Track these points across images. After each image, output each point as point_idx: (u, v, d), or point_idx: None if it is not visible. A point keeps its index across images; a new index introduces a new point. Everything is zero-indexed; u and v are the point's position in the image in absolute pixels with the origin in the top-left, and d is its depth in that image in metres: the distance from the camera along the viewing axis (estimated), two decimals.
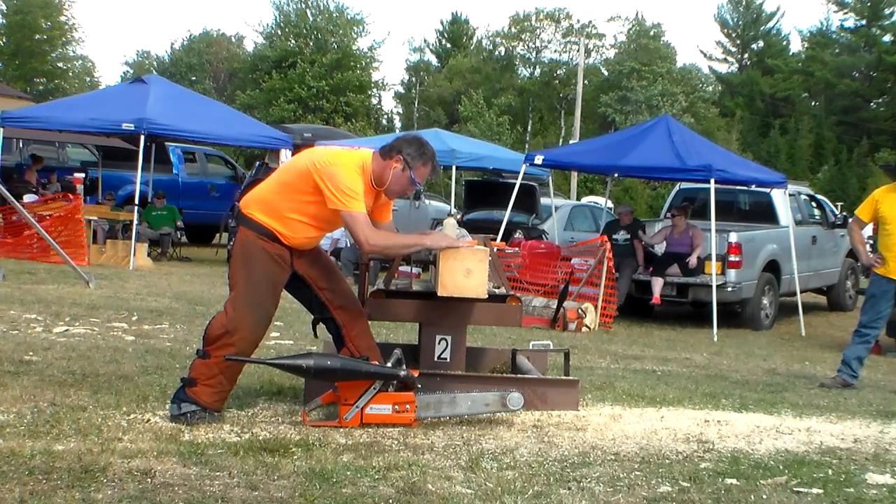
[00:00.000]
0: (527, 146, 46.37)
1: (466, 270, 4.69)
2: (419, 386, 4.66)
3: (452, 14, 67.05)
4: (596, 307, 10.82)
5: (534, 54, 61.02)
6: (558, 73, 58.66)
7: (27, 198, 14.32)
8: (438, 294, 4.75)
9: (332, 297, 4.79)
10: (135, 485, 3.47)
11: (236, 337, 4.46)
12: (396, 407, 4.60)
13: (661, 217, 14.64)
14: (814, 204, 15.03)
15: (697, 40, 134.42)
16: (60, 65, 56.02)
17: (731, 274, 11.77)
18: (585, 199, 27.29)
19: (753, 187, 13.58)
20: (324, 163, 4.51)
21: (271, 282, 4.58)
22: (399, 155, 4.59)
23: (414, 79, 60.47)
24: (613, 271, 11.27)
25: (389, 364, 4.70)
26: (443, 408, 4.71)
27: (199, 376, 4.49)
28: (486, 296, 4.90)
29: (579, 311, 10.44)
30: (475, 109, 48.53)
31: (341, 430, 4.49)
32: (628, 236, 12.55)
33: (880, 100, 56.17)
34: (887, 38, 53.57)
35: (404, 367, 4.72)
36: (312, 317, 4.97)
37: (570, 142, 38.41)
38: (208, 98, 24.70)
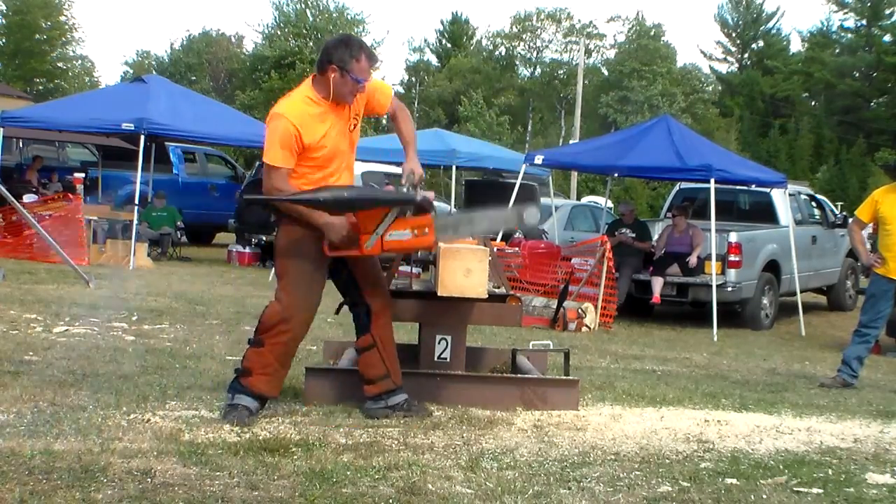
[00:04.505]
0: (527, 146, 46.42)
1: (466, 270, 4.69)
2: (435, 209, 4.59)
3: (452, 14, 67.15)
4: (596, 307, 10.82)
5: (534, 54, 61.11)
6: (559, 73, 58.70)
7: (27, 198, 14.31)
8: (438, 294, 4.76)
9: (365, 285, 4.80)
10: (135, 485, 3.47)
11: (293, 323, 4.56)
12: (415, 231, 4.52)
13: (661, 217, 14.64)
14: (814, 204, 15.02)
15: (697, 40, 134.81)
16: (60, 65, 56.05)
17: (731, 274, 11.75)
18: (585, 199, 27.30)
19: (753, 187, 13.58)
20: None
21: (316, 262, 4.62)
22: (331, 64, 4.52)
23: (414, 79, 60.49)
24: (613, 271, 11.27)
25: (404, 191, 4.59)
26: (461, 228, 4.68)
27: (254, 366, 4.56)
28: (486, 296, 4.91)
29: (579, 310, 10.43)
30: (475, 109, 48.56)
31: (341, 429, 4.49)
32: (633, 235, 12.54)
33: (880, 100, 56.19)
34: (887, 38, 53.58)
35: (420, 190, 4.58)
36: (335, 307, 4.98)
37: (571, 142, 38.43)
38: (208, 98, 24.68)
